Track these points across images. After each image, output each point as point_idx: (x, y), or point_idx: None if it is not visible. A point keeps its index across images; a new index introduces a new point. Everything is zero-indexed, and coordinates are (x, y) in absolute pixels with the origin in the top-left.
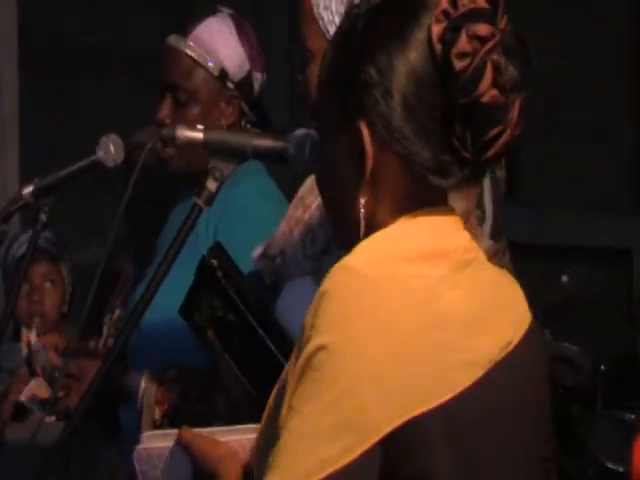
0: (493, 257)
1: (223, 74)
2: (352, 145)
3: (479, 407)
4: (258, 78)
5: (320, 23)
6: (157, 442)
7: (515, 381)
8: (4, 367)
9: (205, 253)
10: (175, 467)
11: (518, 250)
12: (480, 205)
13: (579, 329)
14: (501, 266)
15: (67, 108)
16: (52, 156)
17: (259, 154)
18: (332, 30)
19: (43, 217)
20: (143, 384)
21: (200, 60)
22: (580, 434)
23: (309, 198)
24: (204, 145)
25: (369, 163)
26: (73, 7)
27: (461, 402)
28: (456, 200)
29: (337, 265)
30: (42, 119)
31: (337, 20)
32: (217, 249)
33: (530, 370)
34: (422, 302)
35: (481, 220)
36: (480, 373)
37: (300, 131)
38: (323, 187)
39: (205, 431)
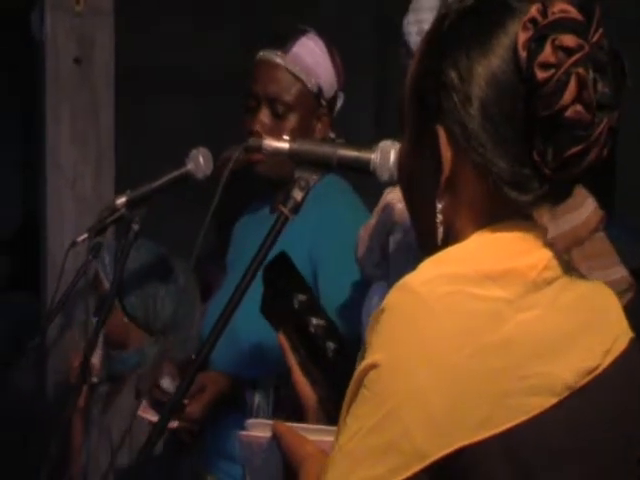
0: (628, 291)
1: (320, 91)
2: (430, 150)
3: (553, 437)
4: (341, 97)
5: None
6: (257, 431)
7: (602, 410)
8: None
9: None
10: (270, 458)
11: None
12: None
13: None
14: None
15: (155, 126)
16: (144, 173)
17: (344, 165)
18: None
19: (135, 227)
20: (257, 399)
21: (301, 76)
22: None
23: (379, 211)
24: (289, 155)
25: (446, 168)
26: (160, 35)
27: (528, 431)
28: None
29: (398, 283)
30: (133, 138)
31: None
32: (280, 257)
33: (623, 398)
34: (481, 326)
35: None
36: (552, 400)
37: (385, 142)
38: (405, 193)
39: (300, 427)
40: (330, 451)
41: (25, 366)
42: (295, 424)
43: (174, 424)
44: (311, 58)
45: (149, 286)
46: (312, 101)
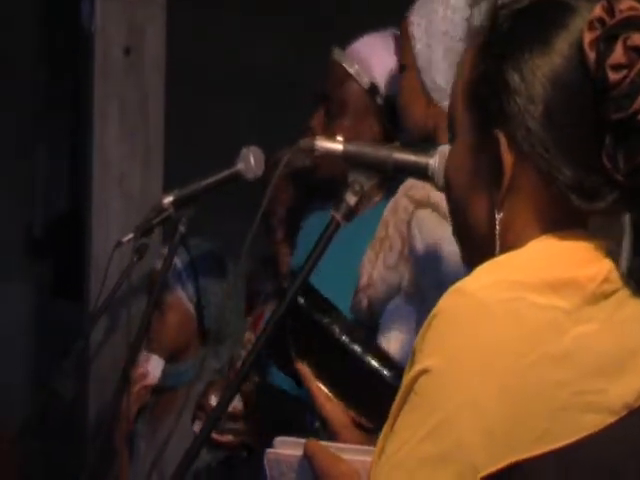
0: None
1: (373, 88)
2: (488, 157)
3: (609, 457)
4: None
5: (412, 42)
6: (287, 449)
7: None
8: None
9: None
10: (300, 478)
11: None
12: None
13: None
14: None
15: (205, 124)
16: (193, 169)
17: (400, 169)
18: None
19: (182, 229)
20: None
21: (352, 72)
22: None
23: (389, 217)
24: (343, 157)
25: (507, 175)
26: (211, 30)
27: (585, 449)
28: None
29: (452, 287)
30: (183, 134)
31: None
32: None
33: None
34: (541, 335)
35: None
36: (610, 419)
37: (444, 146)
38: (453, 201)
39: (333, 446)
40: (371, 466)
41: (67, 372)
42: (328, 443)
43: (228, 438)
44: (368, 53)
45: (221, 297)
46: (366, 98)
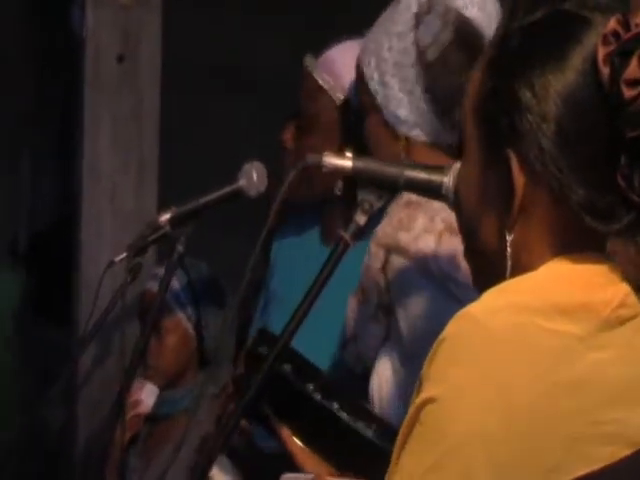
0: None
1: (346, 104)
2: (498, 176)
3: None
4: None
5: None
6: None
7: None
8: None
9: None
10: None
11: None
12: None
13: None
14: None
15: (205, 123)
16: (192, 169)
17: (412, 187)
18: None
19: (180, 248)
20: None
21: (324, 85)
22: None
23: (367, 264)
24: (353, 174)
25: (518, 196)
26: (209, 30)
27: None
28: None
29: (459, 312)
30: (179, 140)
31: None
32: (263, 334)
33: None
34: (552, 362)
35: None
36: (626, 451)
37: (458, 164)
38: (464, 221)
39: None
40: None
41: (53, 399)
42: (336, 478)
43: None
44: (341, 65)
45: (220, 318)
46: (337, 114)
